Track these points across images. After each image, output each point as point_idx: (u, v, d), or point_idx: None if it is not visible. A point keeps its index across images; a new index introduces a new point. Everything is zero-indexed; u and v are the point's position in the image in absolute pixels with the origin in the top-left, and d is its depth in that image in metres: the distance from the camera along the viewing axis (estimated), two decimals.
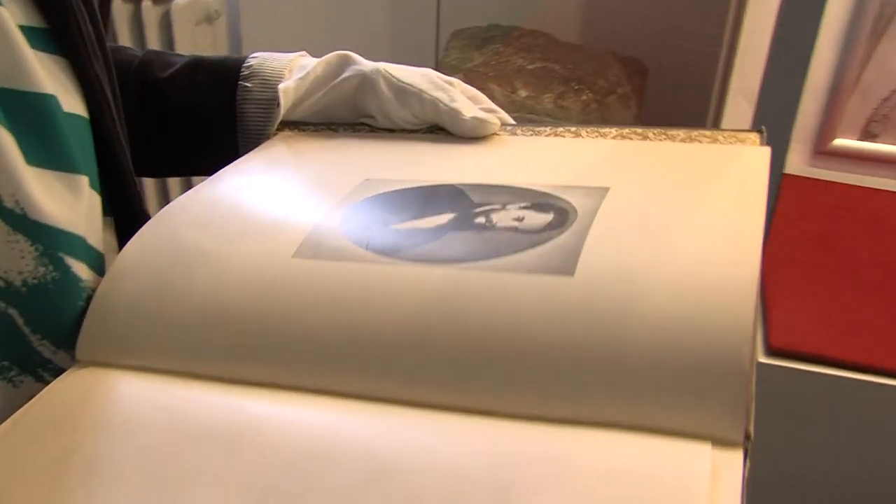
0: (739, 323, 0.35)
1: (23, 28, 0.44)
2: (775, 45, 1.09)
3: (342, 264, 0.42)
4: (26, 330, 0.43)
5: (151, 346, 0.41)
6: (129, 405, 0.38)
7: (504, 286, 0.39)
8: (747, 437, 0.33)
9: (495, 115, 0.58)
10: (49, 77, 0.45)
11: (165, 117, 0.62)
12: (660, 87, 1.57)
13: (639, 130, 0.55)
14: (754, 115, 1.17)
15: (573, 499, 0.31)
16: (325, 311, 0.40)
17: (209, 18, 1.76)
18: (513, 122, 0.60)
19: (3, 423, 0.39)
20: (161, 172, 0.68)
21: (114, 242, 0.52)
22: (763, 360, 0.94)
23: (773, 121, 1.10)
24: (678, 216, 0.43)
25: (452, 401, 0.37)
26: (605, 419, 0.35)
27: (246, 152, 0.57)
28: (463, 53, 1.60)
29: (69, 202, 0.45)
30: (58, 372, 0.44)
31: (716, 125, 1.42)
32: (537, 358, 0.36)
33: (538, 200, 0.46)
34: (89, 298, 0.45)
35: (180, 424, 0.37)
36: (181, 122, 0.62)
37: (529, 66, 1.54)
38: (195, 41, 1.71)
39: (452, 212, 0.45)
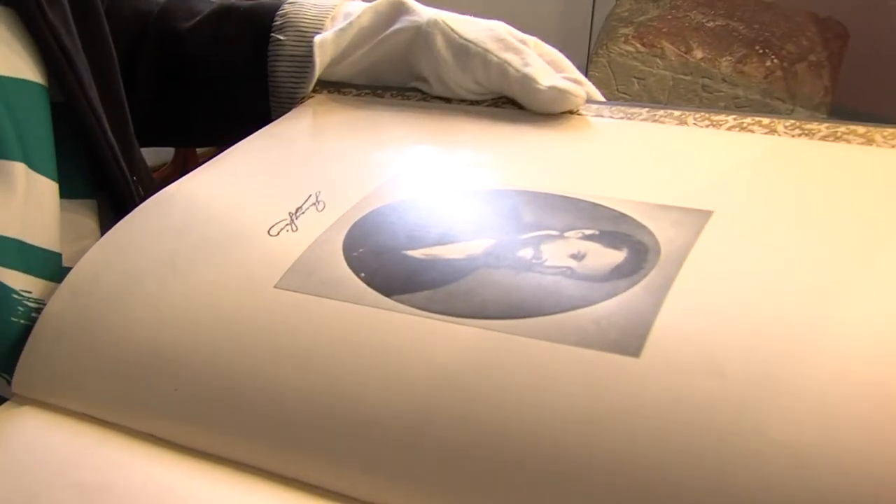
0: None
1: None
2: None
3: (328, 304, 0.32)
4: None
5: (93, 390, 0.33)
6: (40, 475, 0.31)
7: (537, 362, 0.28)
8: None
9: (581, 88, 0.45)
10: None
11: (187, 76, 0.52)
12: (861, 56, 1.37)
13: (765, 121, 0.40)
14: None
15: None
16: (292, 370, 0.31)
17: None
18: (602, 98, 0.46)
19: None
20: (185, 141, 0.58)
21: (96, 228, 0.44)
22: None
23: None
24: (813, 267, 0.30)
25: None
26: None
27: (278, 118, 0.48)
28: (637, 4, 1.45)
29: None
30: None
31: None
32: (575, 472, 0.26)
33: (610, 227, 0.33)
34: (33, 311, 0.37)
35: None
36: (204, 81, 0.52)
37: (709, 24, 1.38)
38: None
39: (492, 236, 0.34)
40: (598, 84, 1.43)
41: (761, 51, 1.32)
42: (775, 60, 1.31)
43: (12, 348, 0.37)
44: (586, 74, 1.43)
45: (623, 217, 0.34)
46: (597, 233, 0.33)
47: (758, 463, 0.24)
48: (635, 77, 1.40)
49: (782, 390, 0.25)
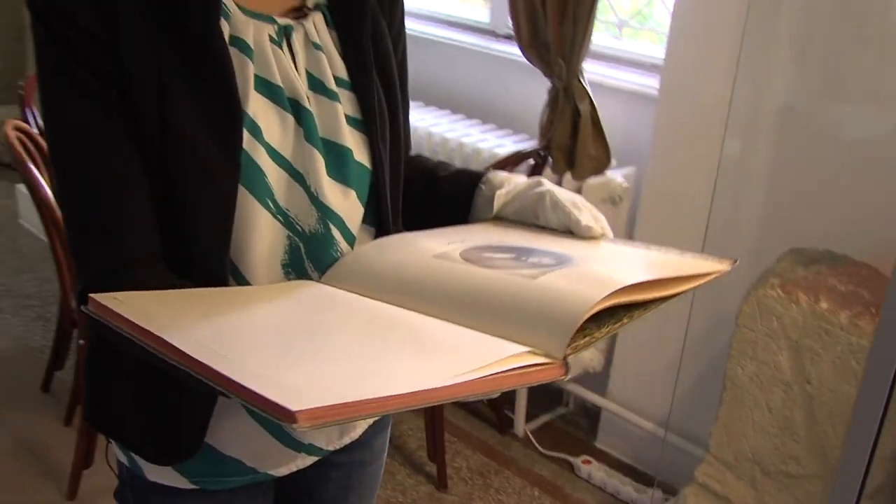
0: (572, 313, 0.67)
1: (347, 117, 0.91)
2: None
3: (443, 262, 0.80)
4: (306, 259, 0.88)
5: (354, 280, 0.83)
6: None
7: (496, 281, 0.75)
8: (565, 358, 0.64)
9: (602, 228, 0.92)
10: (352, 139, 0.92)
11: (434, 201, 1.04)
12: None
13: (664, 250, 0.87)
14: None
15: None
16: (427, 282, 0.78)
17: (613, 201, 2.23)
18: (612, 236, 0.93)
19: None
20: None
21: (368, 240, 0.96)
22: None
23: None
24: (621, 265, 0.78)
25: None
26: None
27: None
28: (790, 266, 1.86)
29: (340, 199, 0.90)
30: None
31: None
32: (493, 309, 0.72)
33: (562, 261, 0.81)
34: (339, 253, 0.89)
35: (336, 302, 0.79)
36: (443, 206, 1.03)
37: (841, 288, 1.75)
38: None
39: (516, 256, 0.82)
40: (747, 318, 1.83)
41: (874, 311, 1.67)
42: None
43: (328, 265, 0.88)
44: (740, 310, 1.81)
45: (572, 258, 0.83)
46: (556, 262, 0.81)
47: (540, 297, 0.73)
48: (774, 316, 1.79)
49: (570, 283, 0.78)
